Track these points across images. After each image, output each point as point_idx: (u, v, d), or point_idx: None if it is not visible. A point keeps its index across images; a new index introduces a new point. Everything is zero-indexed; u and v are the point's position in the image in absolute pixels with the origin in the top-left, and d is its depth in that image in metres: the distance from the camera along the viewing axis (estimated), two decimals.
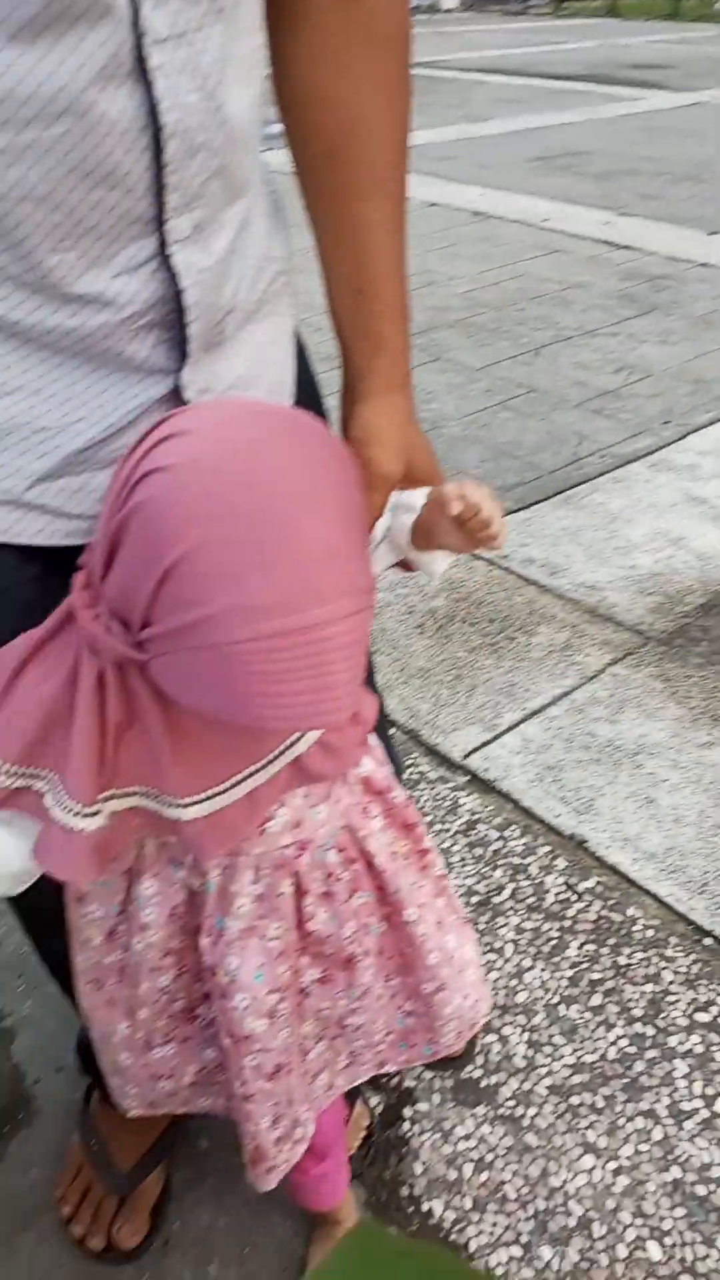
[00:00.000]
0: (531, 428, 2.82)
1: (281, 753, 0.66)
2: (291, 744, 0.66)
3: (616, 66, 10.16)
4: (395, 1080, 1.16)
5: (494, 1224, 1.03)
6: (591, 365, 3.23)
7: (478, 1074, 1.17)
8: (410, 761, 1.64)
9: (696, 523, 2.34)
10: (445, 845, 1.48)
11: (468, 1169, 1.08)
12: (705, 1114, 1.12)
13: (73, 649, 0.59)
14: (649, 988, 1.26)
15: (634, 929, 1.34)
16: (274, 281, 0.71)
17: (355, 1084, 0.85)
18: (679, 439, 2.75)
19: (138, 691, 0.58)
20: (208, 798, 0.63)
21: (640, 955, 1.30)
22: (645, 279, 4.02)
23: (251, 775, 0.65)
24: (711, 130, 7.07)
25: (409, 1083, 1.16)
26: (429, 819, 1.53)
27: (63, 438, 0.62)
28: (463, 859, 1.46)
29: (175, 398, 0.65)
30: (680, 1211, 1.03)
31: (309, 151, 0.68)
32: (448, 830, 1.51)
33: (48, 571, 0.65)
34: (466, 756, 1.65)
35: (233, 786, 0.64)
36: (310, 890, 0.73)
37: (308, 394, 0.81)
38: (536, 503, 2.43)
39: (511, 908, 1.38)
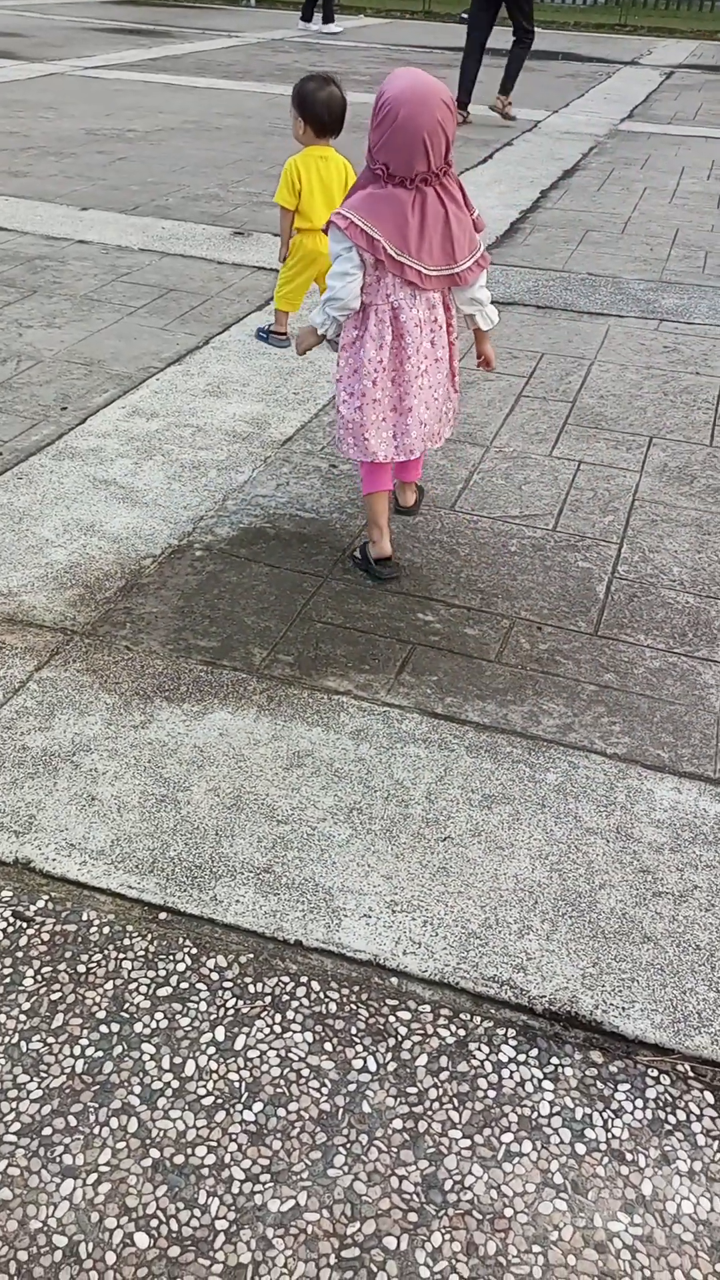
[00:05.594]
0: None
1: None
2: None
3: None
4: None
5: None
6: None
7: None
8: None
9: (106, 506, 2.37)
10: None
11: None
12: (175, 1084, 1.17)
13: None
14: (110, 985, 1.28)
15: (90, 933, 1.35)
16: None
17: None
18: (79, 424, 2.75)
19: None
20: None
21: (98, 956, 1.32)
22: (21, 261, 3.93)
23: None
24: (69, 102, 7.07)
25: None
26: None
27: None
28: None
29: None
30: (162, 1190, 1.07)
31: None
32: None
33: None
34: None
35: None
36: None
37: None
38: None
39: None
